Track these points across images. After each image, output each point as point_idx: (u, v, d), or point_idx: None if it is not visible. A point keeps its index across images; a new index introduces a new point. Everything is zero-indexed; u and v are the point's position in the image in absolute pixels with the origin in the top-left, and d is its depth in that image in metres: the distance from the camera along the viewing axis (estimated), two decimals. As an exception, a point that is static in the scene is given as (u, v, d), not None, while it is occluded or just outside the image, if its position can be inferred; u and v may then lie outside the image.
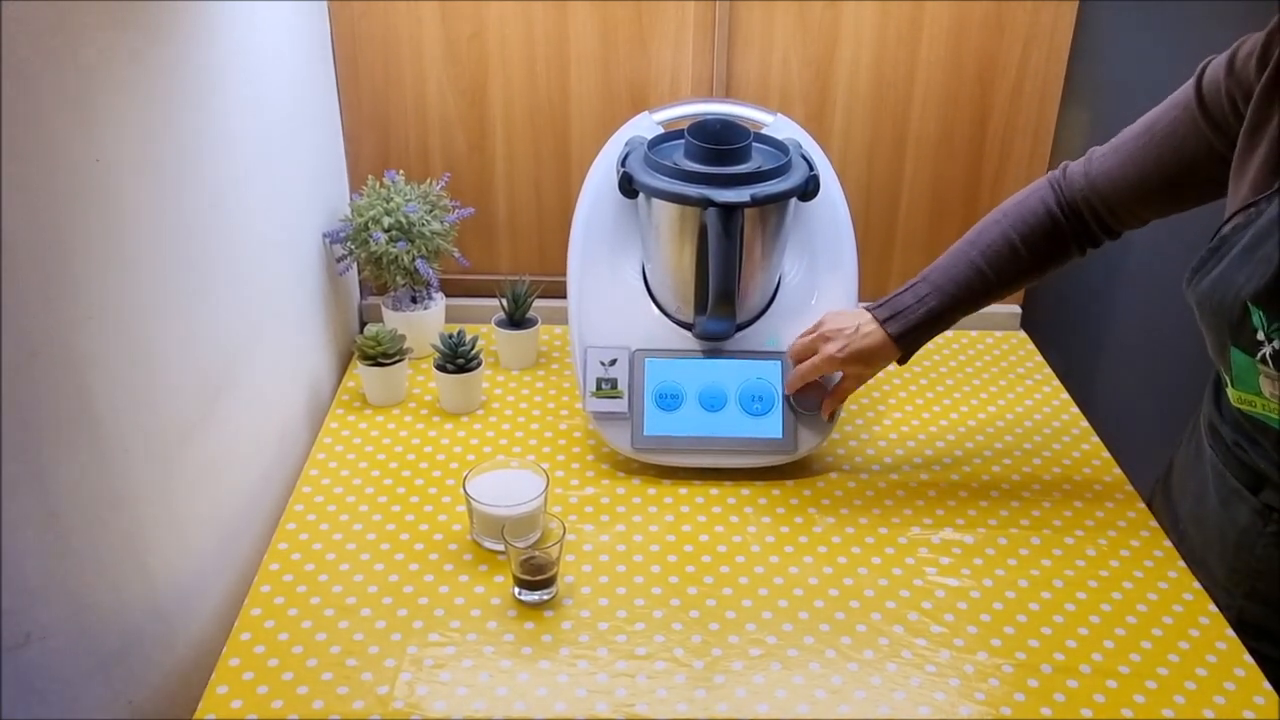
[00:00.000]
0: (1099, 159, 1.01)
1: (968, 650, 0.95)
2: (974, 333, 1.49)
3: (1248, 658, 0.94)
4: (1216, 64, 0.91)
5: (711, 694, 0.90)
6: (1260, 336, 0.85)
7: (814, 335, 1.12)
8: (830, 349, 1.09)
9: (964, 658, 0.94)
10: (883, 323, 1.07)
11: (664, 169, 1.11)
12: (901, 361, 1.11)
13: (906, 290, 1.08)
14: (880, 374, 1.39)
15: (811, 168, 1.13)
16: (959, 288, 1.05)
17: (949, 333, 1.49)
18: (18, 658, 0.72)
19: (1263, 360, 0.86)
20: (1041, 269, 1.06)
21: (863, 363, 1.09)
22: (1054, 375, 1.40)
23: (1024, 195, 1.06)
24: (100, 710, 0.83)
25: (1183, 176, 0.95)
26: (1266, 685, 0.91)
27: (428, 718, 0.86)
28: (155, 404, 0.88)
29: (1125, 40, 1.38)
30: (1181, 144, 0.93)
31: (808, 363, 1.11)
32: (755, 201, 1.06)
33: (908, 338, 1.07)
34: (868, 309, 1.10)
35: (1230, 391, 0.95)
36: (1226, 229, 0.89)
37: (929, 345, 1.46)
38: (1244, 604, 1.00)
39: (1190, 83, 0.93)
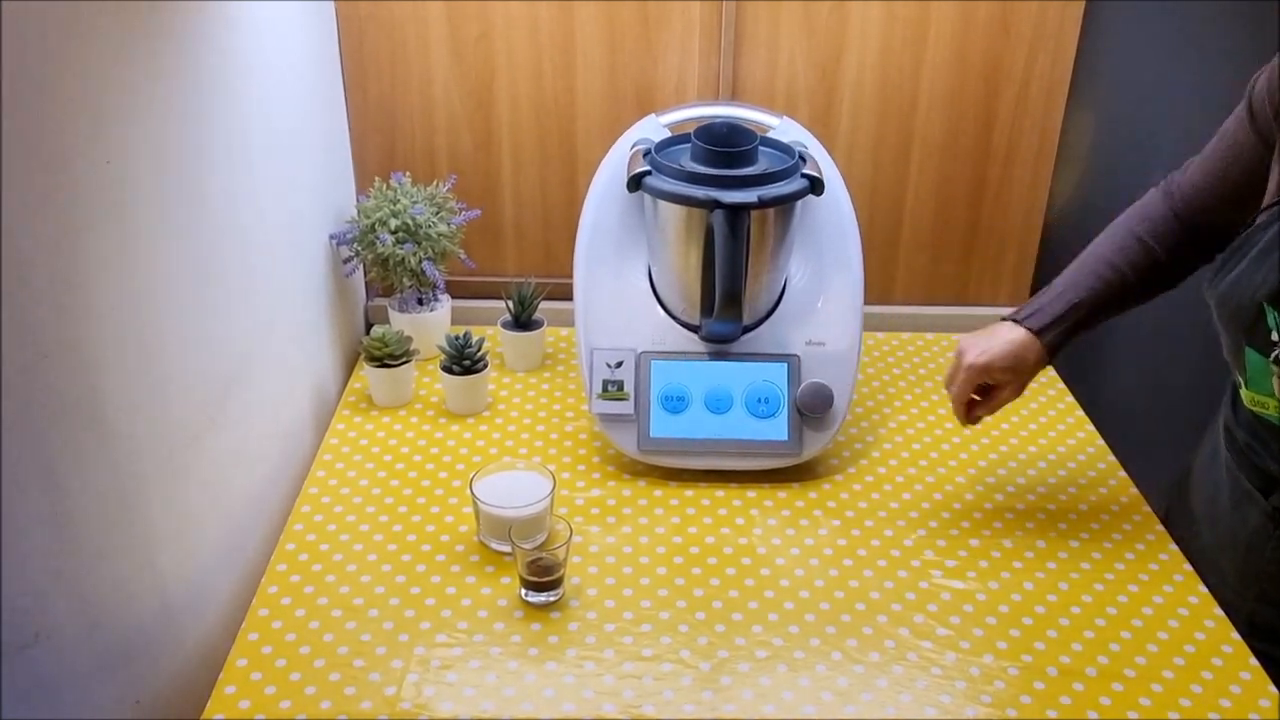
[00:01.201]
0: (1188, 166, 1.03)
1: (974, 653, 0.95)
2: (979, 335, 1.49)
3: (1253, 661, 0.94)
4: (1264, 75, 0.92)
5: (718, 695, 0.90)
6: (1274, 337, 0.86)
7: (954, 356, 1.08)
8: (968, 358, 1.05)
9: (970, 660, 0.94)
10: (1022, 321, 1.04)
11: (671, 171, 1.11)
12: (1048, 360, 1.06)
13: (1041, 293, 1.06)
14: (885, 376, 1.40)
15: (815, 169, 1.13)
16: (1097, 281, 1.03)
17: (954, 335, 1.50)
18: (26, 656, 0.72)
19: (1275, 361, 0.86)
20: (1173, 268, 1.04)
21: (1009, 367, 1.04)
22: (1059, 378, 1.40)
23: (1138, 202, 1.07)
24: (108, 709, 0.83)
25: (1244, 184, 0.95)
26: (1272, 688, 0.91)
27: (435, 718, 0.87)
28: (164, 405, 0.88)
29: (1132, 41, 1.39)
30: (1240, 152, 0.95)
31: (955, 384, 1.07)
32: (763, 203, 1.06)
33: (1051, 330, 1.03)
34: (1004, 317, 1.07)
35: (1244, 393, 0.95)
36: (1250, 229, 0.89)
37: (935, 348, 1.47)
38: (1255, 607, 1.00)
39: (1246, 93, 0.94)
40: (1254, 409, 0.94)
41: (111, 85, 0.78)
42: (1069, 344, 1.05)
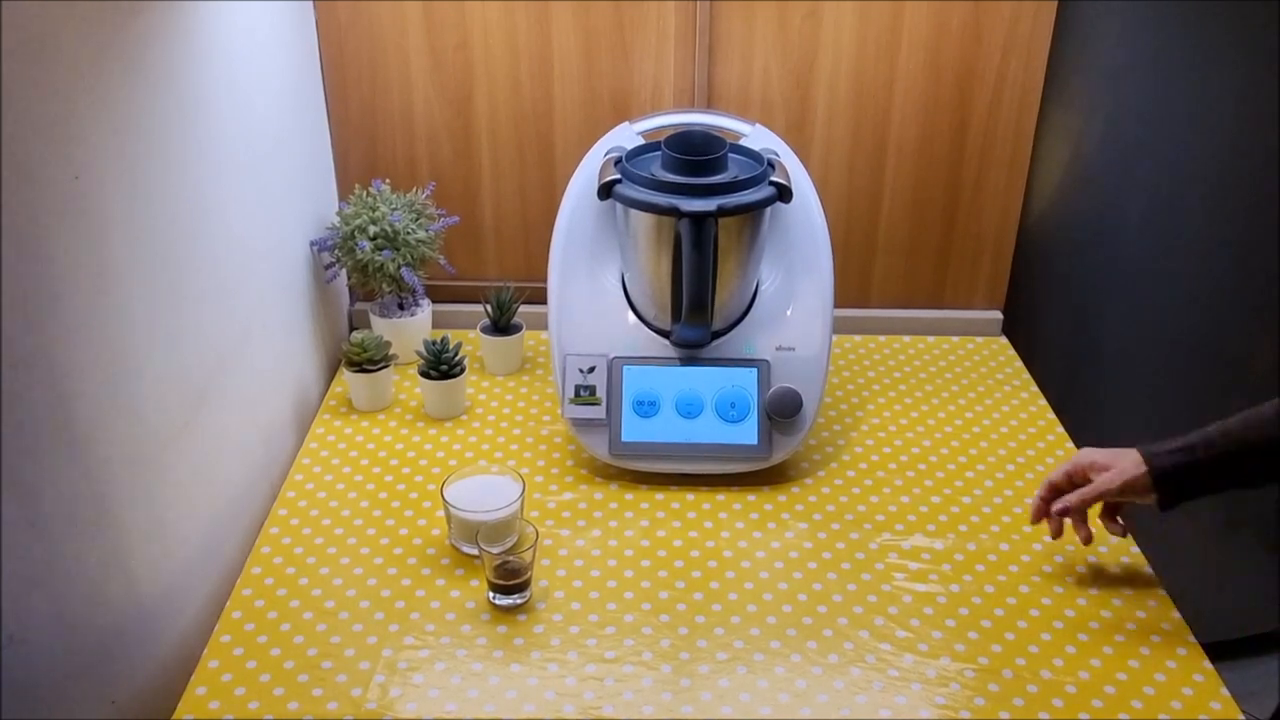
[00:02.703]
0: None
1: (931, 655, 0.96)
2: (955, 339, 1.51)
3: (1207, 664, 0.95)
4: None
5: (677, 697, 0.92)
6: None
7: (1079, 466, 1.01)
8: (1108, 481, 0.98)
9: (927, 662, 0.96)
10: (1148, 454, 0.96)
11: (640, 179, 1.13)
12: (1162, 506, 0.96)
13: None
14: (859, 379, 1.41)
15: (784, 177, 1.14)
16: (1245, 426, 0.92)
17: (929, 338, 1.52)
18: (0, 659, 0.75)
19: None
20: None
21: (1131, 491, 0.97)
22: (1032, 381, 1.41)
23: None
24: (84, 710, 0.85)
25: None
26: (1224, 691, 0.93)
27: (399, 719, 0.89)
28: (138, 412, 0.90)
29: (1105, 43, 1.40)
30: None
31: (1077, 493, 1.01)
32: (722, 212, 1.08)
33: (1168, 476, 0.94)
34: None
35: None
36: None
37: (910, 350, 1.49)
38: None
39: None
40: None
41: (80, 101, 0.80)
42: (1187, 493, 0.95)
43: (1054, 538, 1.04)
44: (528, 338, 1.43)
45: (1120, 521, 1.02)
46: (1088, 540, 1.03)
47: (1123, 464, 0.97)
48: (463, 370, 1.30)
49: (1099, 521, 1.03)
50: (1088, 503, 0.99)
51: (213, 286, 1.05)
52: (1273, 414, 0.91)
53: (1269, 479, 0.93)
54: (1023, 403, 1.36)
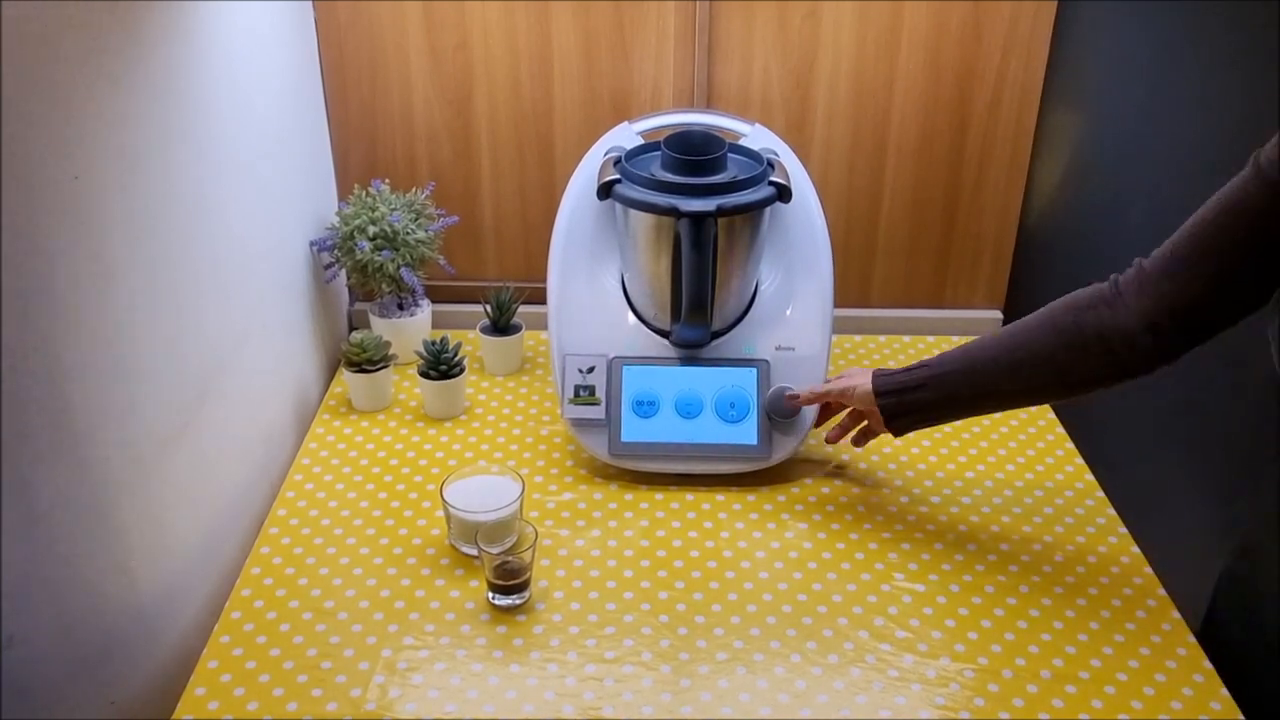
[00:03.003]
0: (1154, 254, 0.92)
1: (930, 655, 0.96)
2: (955, 338, 1.50)
3: (1207, 663, 0.95)
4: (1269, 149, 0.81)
5: (677, 697, 0.92)
6: None
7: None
8: (839, 383, 1.12)
9: (927, 663, 0.96)
10: (878, 371, 1.07)
11: (639, 179, 1.13)
12: (893, 429, 1.06)
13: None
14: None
15: (784, 176, 1.15)
16: (963, 355, 1.00)
17: (929, 338, 1.52)
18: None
19: None
20: (1067, 352, 0.95)
21: (864, 407, 1.09)
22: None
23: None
24: (83, 710, 0.85)
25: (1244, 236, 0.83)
26: (1224, 691, 0.92)
27: (398, 719, 0.89)
28: (136, 413, 0.90)
29: (1104, 42, 1.39)
30: (1246, 202, 0.82)
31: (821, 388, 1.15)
32: (721, 212, 1.08)
33: (889, 396, 1.05)
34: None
35: None
36: None
37: (911, 350, 1.49)
38: None
39: (1247, 171, 0.83)
40: None
41: (79, 101, 0.80)
42: (906, 414, 1.04)
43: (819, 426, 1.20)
44: (527, 338, 1.43)
45: (859, 435, 1.16)
46: (806, 416, 1.19)
47: (860, 375, 1.10)
48: (462, 370, 1.30)
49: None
50: (818, 395, 1.15)
51: (212, 286, 1.05)
52: (975, 346, 1.00)
53: (979, 408, 1.05)
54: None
